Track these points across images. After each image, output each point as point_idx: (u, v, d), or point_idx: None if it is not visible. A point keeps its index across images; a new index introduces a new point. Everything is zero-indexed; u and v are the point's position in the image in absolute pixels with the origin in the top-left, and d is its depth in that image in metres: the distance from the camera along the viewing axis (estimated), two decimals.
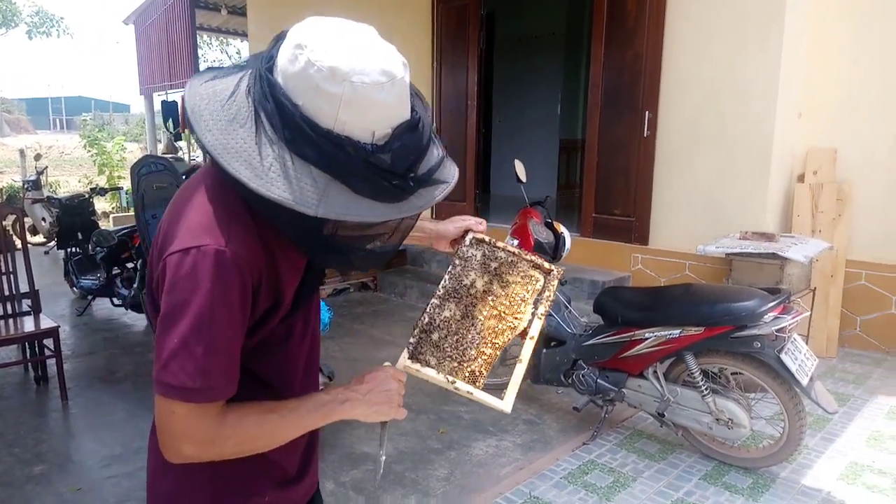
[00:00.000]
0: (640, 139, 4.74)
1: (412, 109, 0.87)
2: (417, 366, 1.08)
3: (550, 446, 3.03)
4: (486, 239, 1.24)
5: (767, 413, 2.97)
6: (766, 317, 2.56)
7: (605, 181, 5.06)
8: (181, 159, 10.25)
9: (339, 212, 0.82)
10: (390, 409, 1.03)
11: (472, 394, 1.06)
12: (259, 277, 0.89)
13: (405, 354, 1.09)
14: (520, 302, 1.16)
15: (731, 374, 2.81)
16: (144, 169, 3.63)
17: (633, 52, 4.73)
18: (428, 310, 1.13)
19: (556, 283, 1.20)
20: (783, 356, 2.52)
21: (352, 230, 0.90)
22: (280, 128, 0.81)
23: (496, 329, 1.12)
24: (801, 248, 3.64)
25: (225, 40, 20.78)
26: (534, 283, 1.19)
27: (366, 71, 0.80)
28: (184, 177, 3.92)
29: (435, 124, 6.23)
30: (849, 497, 2.61)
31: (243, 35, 11.68)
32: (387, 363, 1.08)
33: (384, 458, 1.13)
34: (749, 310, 2.58)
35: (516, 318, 1.14)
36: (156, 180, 3.60)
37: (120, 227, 5.10)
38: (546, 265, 1.22)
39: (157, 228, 0.98)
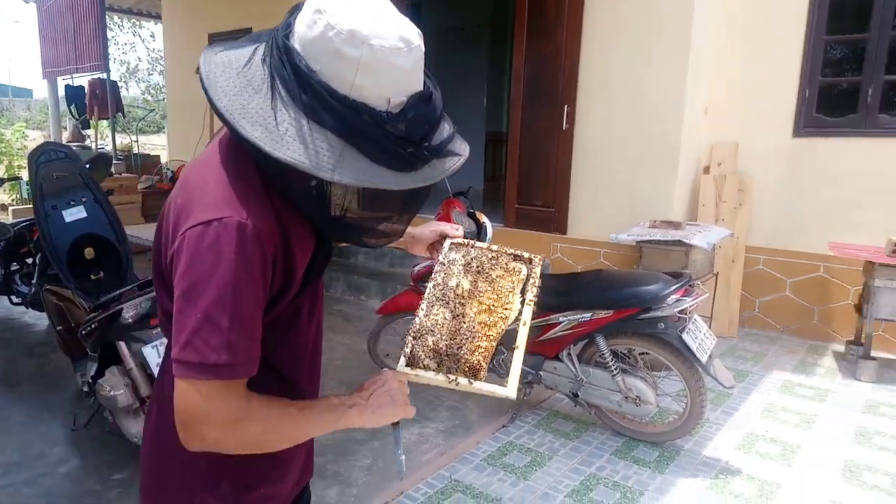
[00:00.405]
0: (560, 132, 4.89)
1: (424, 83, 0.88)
2: (416, 371, 1.08)
3: (472, 430, 3.09)
4: (464, 242, 1.28)
5: (672, 390, 3.16)
6: (669, 299, 2.72)
7: (526, 173, 5.18)
8: (88, 147, 9.65)
9: (355, 177, 0.82)
10: (396, 409, 1.03)
11: (473, 385, 1.07)
12: (275, 253, 0.88)
13: (402, 362, 1.10)
14: (507, 293, 1.18)
15: (639, 354, 2.96)
16: (43, 157, 3.39)
17: (552, 46, 4.86)
18: (418, 317, 1.14)
19: (538, 269, 1.24)
20: (684, 336, 2.69)
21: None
22: (297, 93, 0.81)
23: (488, 322, 1.14)
24: (705, 235, 3.88)
25: (137, 22, 19.67)
26: (517, 273, 1.22)
27: (384, 35, 0.81)
28: (87, 166, 3.70)
29: None
30: (744, 465, 2.82)
31: (157, 17, 11.08)
32: (385, 369, 1.09)
33: (403, 457, 1.13)
34: (653, 293, 2.73)
35: (506, 309, 1.16)
36: (56, 169, 3.37)
37: (18, 220, 4.74)
38: (526, 255, 1.26)
39: (166, 205, 0.94)
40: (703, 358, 2.68)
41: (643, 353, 2.95)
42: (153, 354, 2.55)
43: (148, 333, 2.58)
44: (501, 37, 8.08)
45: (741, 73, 4.65)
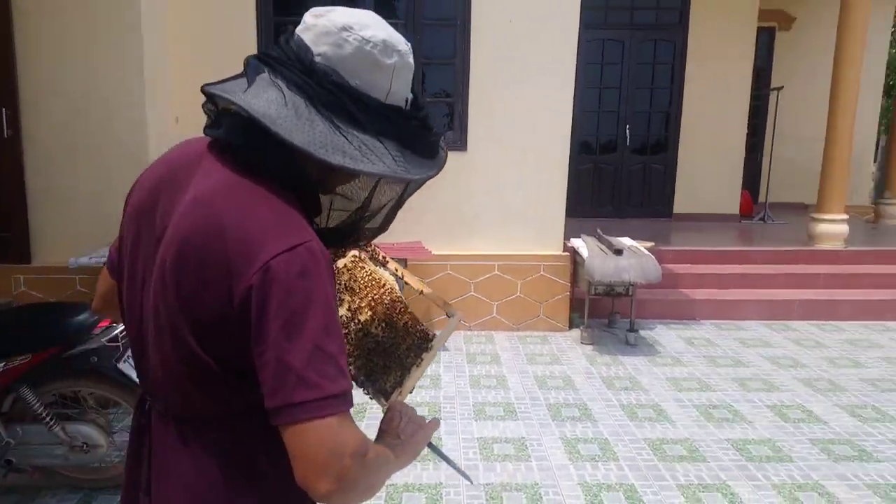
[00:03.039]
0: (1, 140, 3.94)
1: None
2: (399, 391, 1.12)
3: None
4: None
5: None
6: (95, 330, 2.49)
7: None
8: None
9: (421, 172, 0.89)
10: (426, 430, 1.02)
11: (436, 343, 1.16)
12: None
13: (384, 403, 1.14)
14: (369, 276, 1.22)
15: (89, 393, 2.50)
16: None
17: None
18: (355, 373, 1.17)
19: (353, 251, 1.25)
20: (121, 365, 2.49)
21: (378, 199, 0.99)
22: (350, 111, 0.84)
23: (388, 307, 1.18)
24: None
25: None
26: (356, 259, 1.24)
27: (400, 40, 0.89)
28: None
29: None
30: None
31: None
32: (386, 405, 1.11)
33: (462, 465, 1.04)
34: (76, 326, 2.45)
35: (384, 286, 1.20)
36: None
37: None
38: (340, 253, 1.26)
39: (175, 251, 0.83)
40: None
41: (91, 392, 2.44)
42: None
43: None
44: None
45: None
